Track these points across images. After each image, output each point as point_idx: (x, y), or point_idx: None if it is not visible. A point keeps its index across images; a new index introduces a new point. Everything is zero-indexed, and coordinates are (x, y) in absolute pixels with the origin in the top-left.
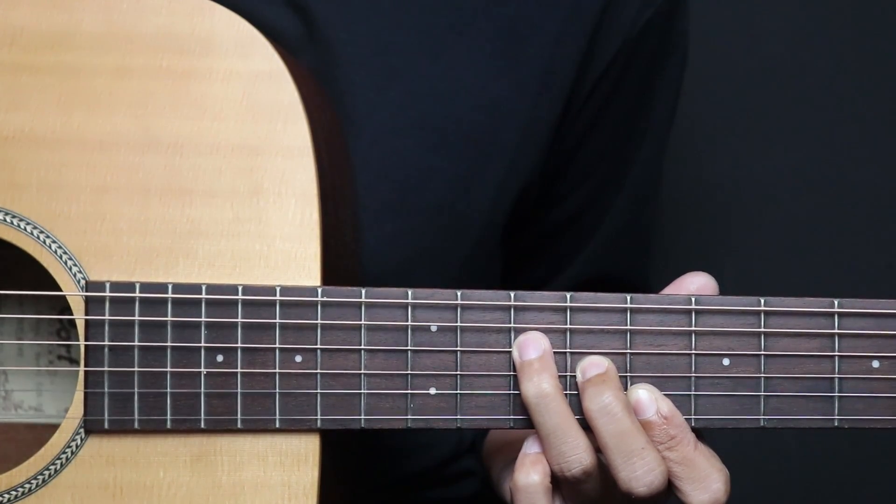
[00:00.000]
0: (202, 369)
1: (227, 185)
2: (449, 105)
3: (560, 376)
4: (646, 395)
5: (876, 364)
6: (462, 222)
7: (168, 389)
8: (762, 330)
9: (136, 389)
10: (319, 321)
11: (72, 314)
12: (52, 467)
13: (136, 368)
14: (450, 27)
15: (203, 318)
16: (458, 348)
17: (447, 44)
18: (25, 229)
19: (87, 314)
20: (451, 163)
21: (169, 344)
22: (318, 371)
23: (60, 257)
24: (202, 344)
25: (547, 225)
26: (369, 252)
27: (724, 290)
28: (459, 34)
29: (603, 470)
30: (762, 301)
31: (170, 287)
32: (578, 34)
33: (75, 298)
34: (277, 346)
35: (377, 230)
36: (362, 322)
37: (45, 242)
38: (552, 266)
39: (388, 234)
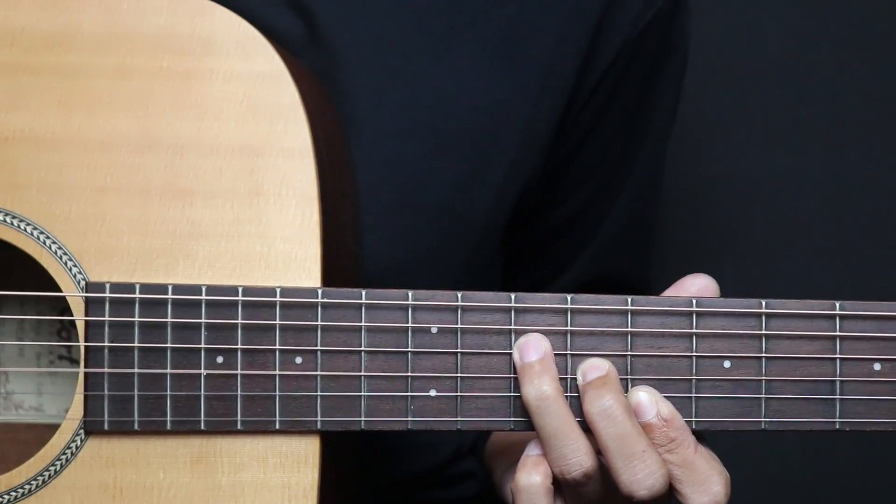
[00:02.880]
0: (202, 370)
1: (227, 186)
2: (450, 106)
3: (561, 378)
4: (646, 398)
5: (877, 367)
6: (462, 224)
7: (168, 391)
8: (763, 332)
9: (136, 391)
10: (319, 322)
11: (72, 315)
12: (52, 468)
13: (135, 370)
14: (452, 28)
15: (203, 320)
16: (459, 350)
17: (449, 45)
18: (25, 230)
19: (86, 315)
20: (452, 164)
21: (169, 345)
22: (319, 372)
23: (60, 258)
24: (202, 345)
25: (547, 226)
26: (370, 253)
27: (725, 292)
28: (461, 35)
29: (604, 472)
30: (763, 303)
31: (170, 288)
32: (580, 35)
33: (75, 299)
34: (277, 347)
35: (378, 231)
36: (362, 324)
37: (45, 243)
38: (553, 267)
39: (389, 236)
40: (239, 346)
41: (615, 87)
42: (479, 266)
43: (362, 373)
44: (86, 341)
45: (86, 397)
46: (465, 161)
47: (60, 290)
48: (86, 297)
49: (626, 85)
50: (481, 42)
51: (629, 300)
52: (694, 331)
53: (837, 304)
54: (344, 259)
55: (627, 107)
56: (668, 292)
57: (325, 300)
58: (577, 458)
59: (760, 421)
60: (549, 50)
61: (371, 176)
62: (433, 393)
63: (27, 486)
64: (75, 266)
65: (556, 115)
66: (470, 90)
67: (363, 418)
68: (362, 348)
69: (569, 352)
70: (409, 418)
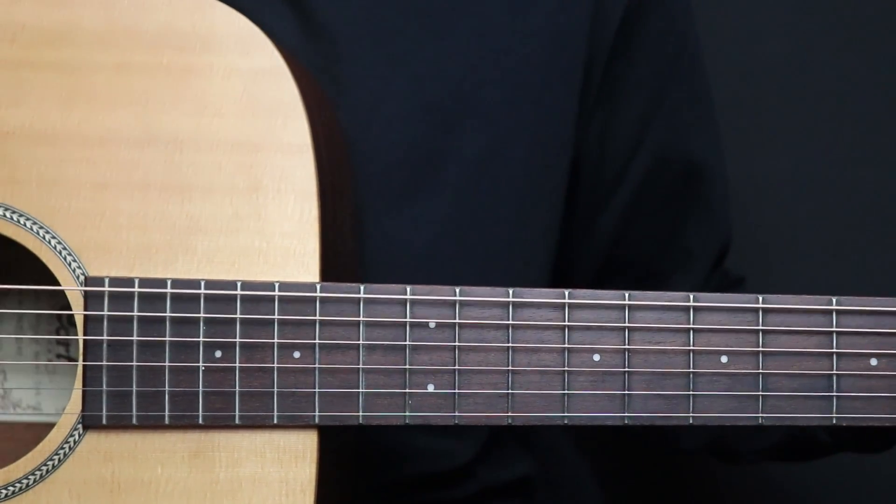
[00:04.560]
0: (200, 365)
1: (226, 182)
2: (457, 85)
3: (557, 373)
4: None
5: (874, 362)
6: (492, 201)
7: (166, 385)
8: (760, 328)
9: (134, 385)
10: (318, 317)
11: (71, 310)
12: (50, 463)
13: (134, 363)
14: (451, 7)
15: (202, 314)
16: (457, 344)
17: (450, 23)
18: (25, 225)
19: (85, 309)
20: (467, 143)
21: (167, 339)
22: (317, 366)
23: (60, 253)
24: (200, 339)
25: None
26: (392, 239)
27: (723, 270)
28: (461, 12)
29: None
30: (760, 298)
31: (168, 282)
32: None
33: (74, 294)
34: (276, 341)
35: (397, 216)
36: (360, 318)
37: (44, 238)
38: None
39: (409, 220)
40: (237, 340)
41: (631, 43)
42: (524, 243)
43: (360, 366)
44: (84, 335)
45: (84, 392)
46: (480, 138)
47: (59, 285)
48: (84, 292)
49: (645, 38)
50: (482, 16)
51: (626, 295)
52: (691, 326)
53: (834, 300)
54: (342, 254)
55: (653, 57)
56: None
57: (324, 294)
58: None
59: (758, 416)
60: (554, 15)
61: (383, 162)
62: (431, 388)
63: (25, 481)
64: (74, 261)
65: (573, 82)
66: (475, 66)
67: (361, 413)
68: (360, 342)
69: (566, 346)
70: (407, 413)
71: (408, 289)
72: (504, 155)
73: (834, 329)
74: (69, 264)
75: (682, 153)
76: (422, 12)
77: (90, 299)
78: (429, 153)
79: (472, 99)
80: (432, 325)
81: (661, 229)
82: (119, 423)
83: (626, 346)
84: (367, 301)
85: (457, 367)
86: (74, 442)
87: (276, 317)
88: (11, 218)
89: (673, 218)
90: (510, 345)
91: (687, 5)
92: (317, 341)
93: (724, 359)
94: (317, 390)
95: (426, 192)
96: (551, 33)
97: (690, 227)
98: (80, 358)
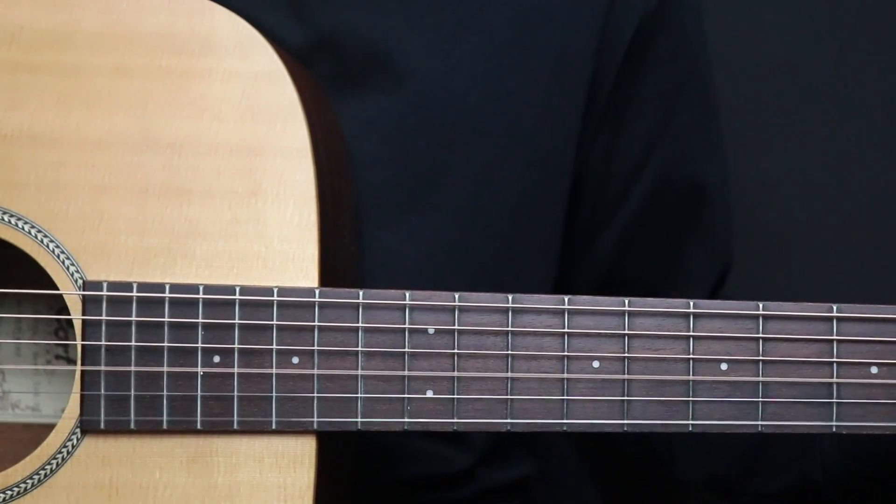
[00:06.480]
0: (199, 370)
1: (225, 186)
2: (460, 101)
3: (557, 380)
4: None
5: (874, 370)
6: (487, 218)
7: (165, 390)
8: (760, 335)
9: (132, 390)
10: (316, 323)
11: (69, 314)
12: (48, 467)
13: (132, 368)
14: (458, 23)
15: (200, 319)
16: (456, 351)
17: (456, 40)
18: (23, 228)
19: (84, 314)
20: (467, 159)
21: (166, 344)
22: (315, 372)
23: (58, 257)
24: (199, 344)
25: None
26: (389, 253)
27: (723, 293)
28: (467, 29)
29: None
30: (760, 306)
31: (167, 287)
32: (590, 17)
33: (73, 298)
34: (274, 347)
35: (393, 229)
36: (359, 324)
37: (42, 242)
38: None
39: (406, 234)
40: (236, 345)
41: (641, 63)
42: (517, 261)
43: (359, 373)
44: (83, 340)
45: (82, 396)
46: (480, 155)
47: (58, 289)
48: (83, 296)
49: (655, 59)
50: (489, 34)
51: (626, 301)
52: (691, 333)
53: (835, 307)
54: (342, 259)
55: (662, 78)
56: None
57: (322, 300)
58: None
59: (757, 424)
60: (560, 36)
61: (382, 174)
62: (430, 394)
63: (23, 485)
64: (73, 265)
65: (577, 100)
66: (479, 83)
67: (360, 419)
68: (359, 348)
69: (566, 353)
70: (406, 419)
71: (407, 294)
72: (504, 172)
73: (834, 337)
74: (67, 268)
75: (687, 175)
76: (429, 28)
77: (88, 303)
78: (429, 168)
79: (475, 115)
80: (431, 331)
81: (662, 251)
82: (117, 428)
83: (626, 354)
84: (365, 307)
85: (456, 373)
86: (73, 446)
87: (274, 322)
88: (9, 221)
89: (674, 240)
90: (509, 352)
91: (699, 27)
92: (315, 347)
93: (723, 366)
94: (315, 395)
95: (425, 207)
96: (557, 51)
97: (690, 250)
98: (79, 363)
